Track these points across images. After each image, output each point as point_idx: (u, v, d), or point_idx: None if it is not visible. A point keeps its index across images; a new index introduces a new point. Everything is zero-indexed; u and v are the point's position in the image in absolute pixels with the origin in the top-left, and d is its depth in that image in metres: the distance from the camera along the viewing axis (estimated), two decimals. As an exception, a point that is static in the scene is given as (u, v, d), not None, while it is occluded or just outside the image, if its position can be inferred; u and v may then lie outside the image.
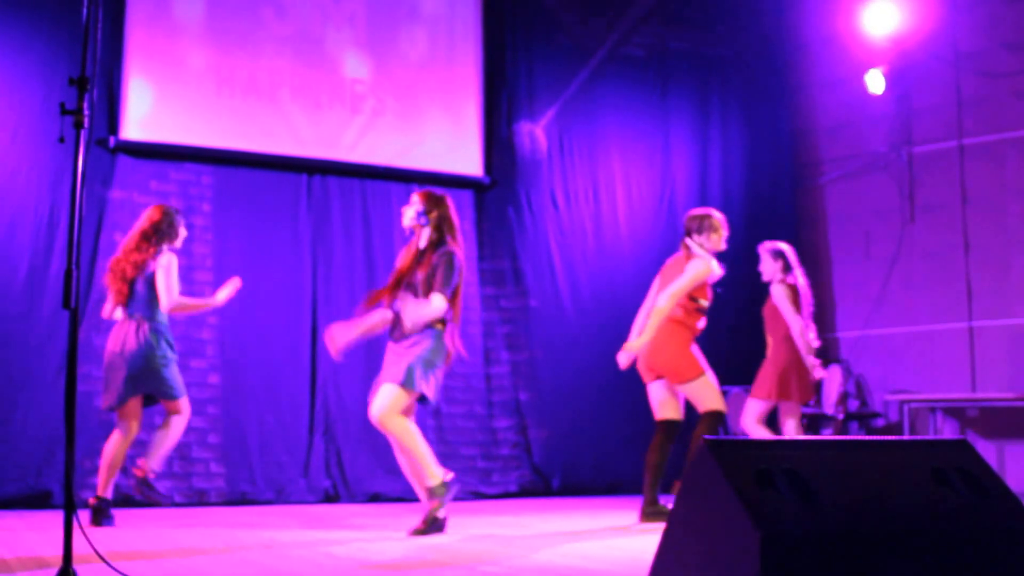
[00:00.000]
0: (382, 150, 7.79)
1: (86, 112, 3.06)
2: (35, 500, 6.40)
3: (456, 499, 7.55)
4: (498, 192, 8.22)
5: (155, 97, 7.15)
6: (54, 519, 5.47)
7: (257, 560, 3.89)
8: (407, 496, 7.42)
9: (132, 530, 5.13)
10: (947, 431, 8.19)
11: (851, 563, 2.45)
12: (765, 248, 6.57)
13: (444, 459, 7.69)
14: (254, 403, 7.17)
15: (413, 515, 6.27)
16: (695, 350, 5.64)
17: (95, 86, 3.09)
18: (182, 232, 5.73)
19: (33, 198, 6.73)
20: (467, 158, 8.11)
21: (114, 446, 5.50)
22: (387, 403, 4.96)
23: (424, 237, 5.15)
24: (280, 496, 7.09)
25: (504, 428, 7.99)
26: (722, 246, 5.71)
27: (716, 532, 2.50)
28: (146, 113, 7.11)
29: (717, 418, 5.57)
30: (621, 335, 8.52)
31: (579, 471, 8.10)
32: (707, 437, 2.64)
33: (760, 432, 6.50)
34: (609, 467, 8.18)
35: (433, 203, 5.16)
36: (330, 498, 7.24)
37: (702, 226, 5.64)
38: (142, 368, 5.43)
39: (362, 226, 7.74)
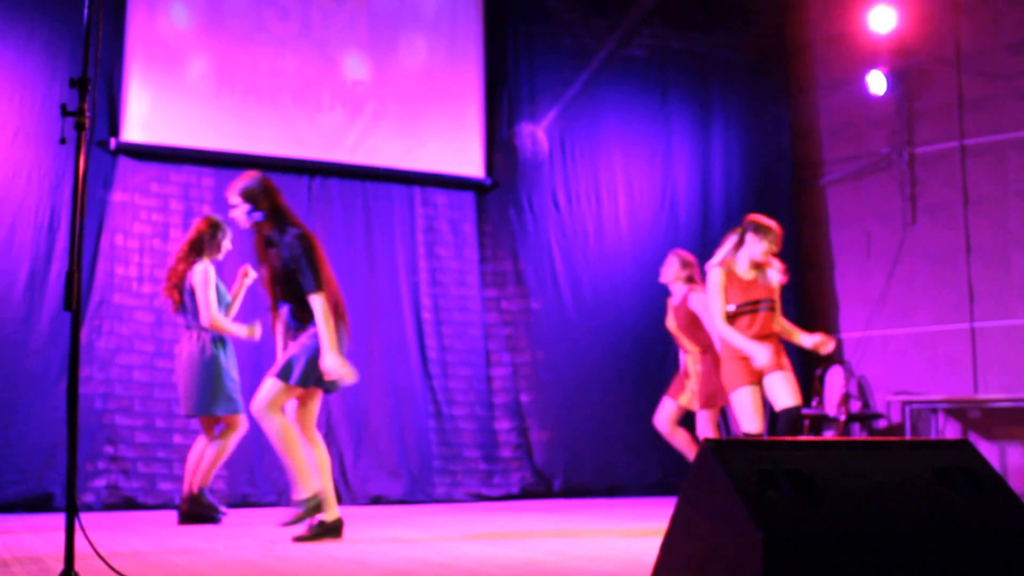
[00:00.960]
0: (383, 152, 7.80)
1: (87, 114, 3.05)
2: (37, 503, 6.40)
3: (458, 501, 7.57)
4: (499, 194, 8.22)
5: (156, 99, 7.16)
6: (56, 521, 5.48)
7: (258, 562, 3.89)
8: (409, 499, 7.44)
9: (133, 532, 5.13)
10: (949, 432, 8.19)
11: (853, 564, 2.44)
12: (676, 253, 6.68)
13: (445, 461, 7.70)
14: (255, 405, 7.16)
15: (415, 517, 6.28)
16: (743, 362, 5.25)
17: (96, 88, 3.09)
18: (225, 246, 5.93)
19: (34, 200, 6.73)
20: (468, 160, 8.11)
21: (199, 449, 5.79)
22: (263, 396, 4.62)
23: (265, 229, 4.75)
24: (282, 498, 7.08)
25: (505, 430, 7.98)
26: (760, 257, 5.36)
27: (719, 533, 2.50)
28: (147, 115, 7.11)
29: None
30: (622, 337, 8.57)
31: (580, 473, 8.10)
32: (709, 439, 2.64)
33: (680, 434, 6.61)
34: (610, 469, 8.18)
35: (253, 195, 4.74)
36: (332, 500, 7.23)
37: (756, 230, 5.46)
38: (192, 378, 5.69)
39: (363, 228, 7.74)
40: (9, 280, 6.61)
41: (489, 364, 8.02)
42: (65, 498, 2.86)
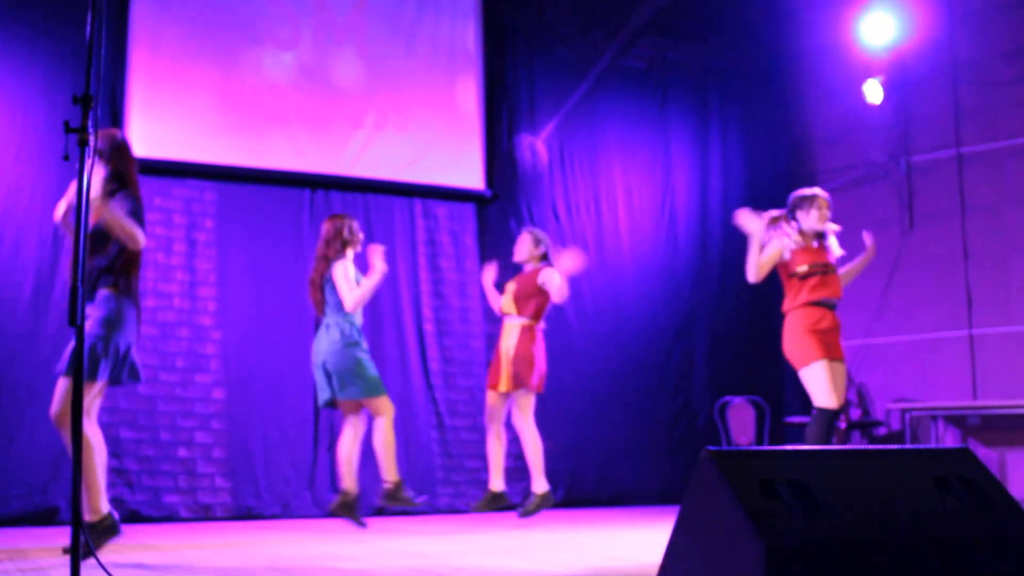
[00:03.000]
0: (384, 164, 7.82)
1: (90, 130, 3.08)
2: (42, 516, 6.41)
3: (461, 511, 7.58)
4: (500, 205, 8.25)
5: (158, 114, 7.19)
6: (61, 535, 5.49)
7: (262, 575, 3.90)
8: (411, 510, 7.44)
9: (138, 545, 5.14)
10: (949, 439, 8.19)
11: (854, 572, 2.46)
12: (529, 231, 6.77)
13: (448, 471, 7.72)
14: (259, 417, 7.18)
15: (417, 527, 6.29)
16: (818, 335, 5.28)
17: (98, 104, 3.11)
18: (358, 236, 6.17)
19: (37, 216, 6.75)
20: (469, 171, 8.14)
21: (345, 444, 5.96)
22: (66, 401, 4.10)
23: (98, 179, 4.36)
24: (286, 510, 7.10)
25: (507, 440, 7.97)
26: (819, 226, 5.59)
27: (720, 542, 2.52)
28: (149, 130, 7.13)
29: (827, 416, 5.14)
30: (624, 345, 8.58)
31: (583, 482, 8.11)
32: (711, 448, 2.66)
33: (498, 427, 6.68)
34: (613, 478, 8.18)
35: (111, 147, 4.45)
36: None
37: (800, 205, 5.60)
38: (342, 367, 5.87)
39: (365, 240, 7.75)
40: (14, 294, 6.63)
41: (491, 374, 8.03)
42: (70, 511, 2.88)
